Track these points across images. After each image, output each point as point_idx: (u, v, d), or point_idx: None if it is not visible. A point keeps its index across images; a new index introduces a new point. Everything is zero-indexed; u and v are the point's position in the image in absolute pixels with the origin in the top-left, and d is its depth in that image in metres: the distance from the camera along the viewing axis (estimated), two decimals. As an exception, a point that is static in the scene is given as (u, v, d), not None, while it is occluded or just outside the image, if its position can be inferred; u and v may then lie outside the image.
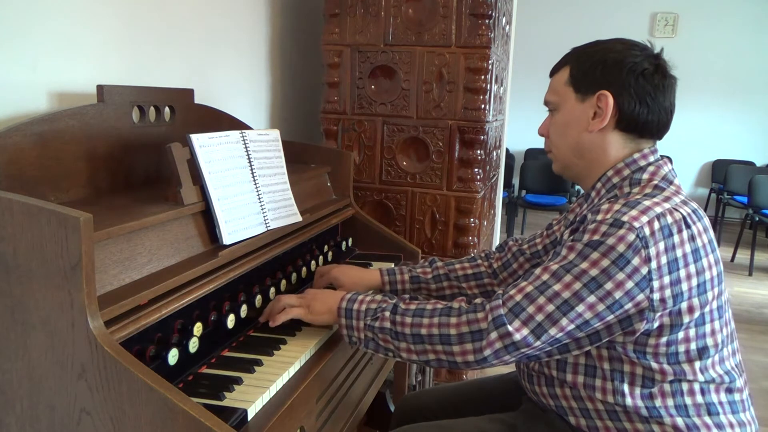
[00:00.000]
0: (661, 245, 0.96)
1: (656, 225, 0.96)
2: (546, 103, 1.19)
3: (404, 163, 2.07)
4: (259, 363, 1.07)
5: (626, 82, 1.07)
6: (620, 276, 0.95)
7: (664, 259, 0.96)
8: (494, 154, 2.43)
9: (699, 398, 1.02)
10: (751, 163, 6.29)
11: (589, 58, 1.12)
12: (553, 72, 1.18)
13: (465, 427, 1.20)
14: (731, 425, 1.03)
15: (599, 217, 0.99)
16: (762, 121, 6.36)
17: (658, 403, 1.02)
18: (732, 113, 6.35)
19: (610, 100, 1.08)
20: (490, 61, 1.94)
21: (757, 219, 4.87)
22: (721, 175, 6.17)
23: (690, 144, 6.24)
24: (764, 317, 3.80)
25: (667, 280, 0.96)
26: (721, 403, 1.03)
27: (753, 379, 0.96)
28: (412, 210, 2.08)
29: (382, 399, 2.00)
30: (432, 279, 1.45)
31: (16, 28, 1.16)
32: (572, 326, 0.97)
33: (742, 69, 6.24)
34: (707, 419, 1.02)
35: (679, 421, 1.01)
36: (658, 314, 0.97)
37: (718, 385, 1.03)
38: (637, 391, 1.03)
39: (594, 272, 0.96)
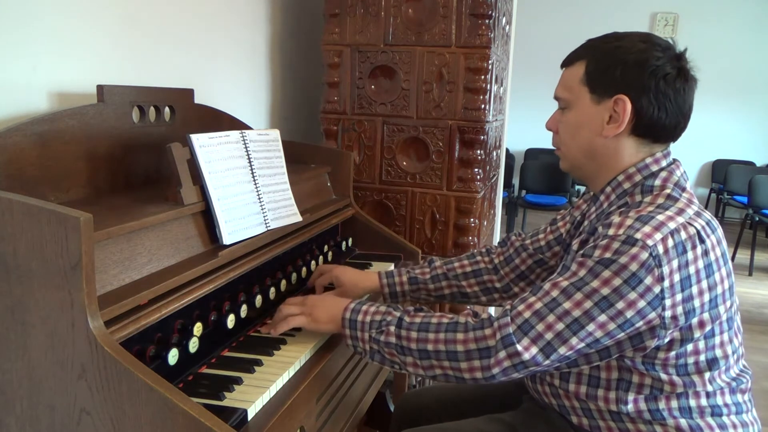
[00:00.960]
0: (675, 263, 0.93)
1: (670, 242, 0.93)
2: (557, 98, 1.13)
3: (404, 163, 2.07)
4: (259, 363, 1.07)
5: (647, 86, 1.01)
6: (632, 295, 0.92)
7: (677, 277, 0.93)
8: (494, 154, 2.43)
9: (704, 401, 1.01)
10: (751, 163, 6.30)
11: (607, 56, 1.05)
12: (567, 64, 1.12)
13: (464, 429, 1.20)
14: (734, 426, 1.02)
15: (611, 232, 0.96)
16: (762, 121, 6.37)
17: (661, 405, 1.01)
18: (732, 113, 6.36)
19: (628, 105, 1.02)
20: (490, 61, 1.94)
21: (757, 219, 4.88)
22: (721, 175, 6.18)
23: (690, 144, 6.22)
24: (764, 317, 3.80)
25: (679, 297, 0.94)
26: (726, 404, 1.02)
27: (754, 380, 0.96)
28: (412, 210, 2.08)
29: (382, 399, 2.00)
30: (430, 279, 1.43)
31: (16, 28, 1.16)
32: (582, 345, 0.95)
33: (742, 69, 6.24)
34: (710, 420, 1.02)
35: (683, 423, 1.01)
36: (669, 331, 0.95)
37: (723, 390, 1.03)
38: (642, 397, 1.02)
39: (605, 291, 0.93)
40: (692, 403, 1.01)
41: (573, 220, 1.25)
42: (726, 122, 6.40)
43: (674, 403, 1.01)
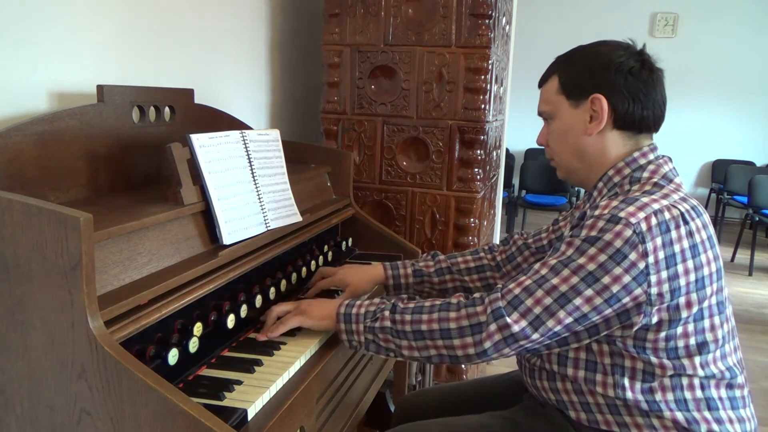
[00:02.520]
0: (659, 240, 0.97)
1: (653, 221, 0.97)
2: (540, 113, 1.21)
3: (404, 163, 2.07)
4: (259, 363, 1.07)
5: (616, 82, 1.09)
6: (617, 270, 0.96)
7: (661, 254, 0.97)
8: (494, 154, 2.43)
9: (699, 393, 1.03)
10: (751, 163, 6.30)
11: (575, 65, 1.14)
12: (542, 82, 1.20)
13: (466, 424, 1.20)
14: (730, 420, 1.04)
15: (597, 213, 1.01)
16: (762, 121, 6.36)
17: (658, 397, 1.03)
18: (732, 113, 6.35)
19: (604, 102, 1.09)
20: (490, 61, 1.94)
21: (757, 219, 4.87)
22: (721, 175, 6.17)
23: (690, 144, 6.24)
24: (764, 317, 3.79)
25: (664, 275, 0.97)
26: (721, 398, 1.04)
27: (753, 380, 0.96)
28: (412, 210, 2.08)
29: (382, 399, 2.00)
30: (434, 272, 1.46)
31: (17, 28, 1.16)
32: (570, 319, 0.99)
33: (742, 69, 6.24)
34: (707, 414, 1.03)
35: (679, 416, 1.02)
36: (656, 308, 0.98)
37: (718, 381, 1.04)
38: (638, 385, 1.04)
39: (591, 267, 0.97)
40: (688, 395, 1.03)
41: (573, 220, 1.26)
42: (726, 122, 6.39)
43: (670, 396, 1.02)
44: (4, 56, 1.15)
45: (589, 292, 0.97)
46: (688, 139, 6.17)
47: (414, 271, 1.46)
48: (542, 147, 1.24)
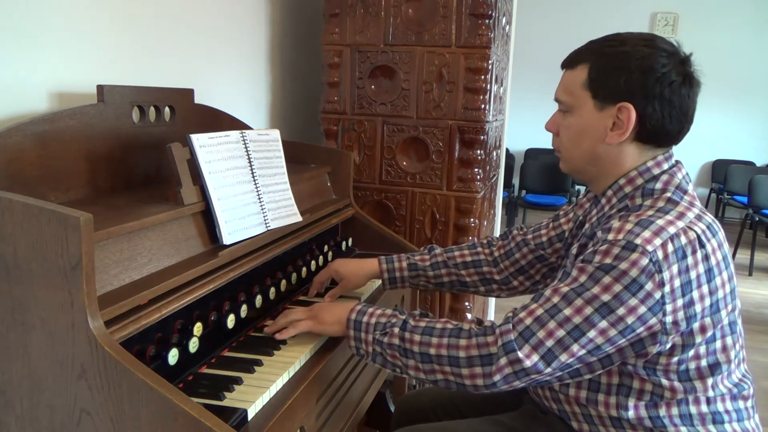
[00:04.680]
0: (675, 268, 0.92)
1: (670, 248, 0.92)
2: (558, 100, 1.10)
3: (404, 163, 2.07)
4: (259, 363, 1.07)
5: (651, 94, 1.00)
6: (633, 301, 0.91)
7: (677, 282, 0.92)
8: (494, 154, 2.43)
9: (704, 408, 1.01)
10: (751, 163, 6.30)
11: (610, 62, 1.02)
12: (568, 65, 1.09)
13: (463, 430, 1.20)
14: None
15: (611, 237, 0.95)
16: (762, 121, 6.37)
17: (662, 412, 1.01)
18: (732, 113, 6.36)
19: (633, 114, 1.01)
20: (490, 61, 1.94)
21: (757, 219, 4.88)
22: (721, 175, 6.18)
23: (690, 144, 6.20)
24: (764, 317, 3.80)
25: (680, 302, 0.93)
26: (727, 411, 1.02)
27: (754, 380, 0.95)
28: (412, 210, 2.08)
29: (382, 399, 2.00)
30: (430, 266, 1.43)
31: (17, 28, 1.16)
32: (583, 351, 0.94)
33: (742, 69, 6.24)
34: (712, 428, 1.01)
35: (683, 430, 1.00)
36: (671, 336, 0.95)
37: (725, 396, 1.02)
38: (642, 403, 1.01)
39: (606, 297, 0.92)
40: (693, 410, 1.00)
41: (576, 218, 1.24)
42: (726, 122, 6.39)
43: (675, 410, 1.00)
44: (4, 56, 1.15)
45: (603, 324, 0.92)
46: (688, 139, 6.10)
47: (409, 264, 1.44)
48: (549, 133, 1.14)
